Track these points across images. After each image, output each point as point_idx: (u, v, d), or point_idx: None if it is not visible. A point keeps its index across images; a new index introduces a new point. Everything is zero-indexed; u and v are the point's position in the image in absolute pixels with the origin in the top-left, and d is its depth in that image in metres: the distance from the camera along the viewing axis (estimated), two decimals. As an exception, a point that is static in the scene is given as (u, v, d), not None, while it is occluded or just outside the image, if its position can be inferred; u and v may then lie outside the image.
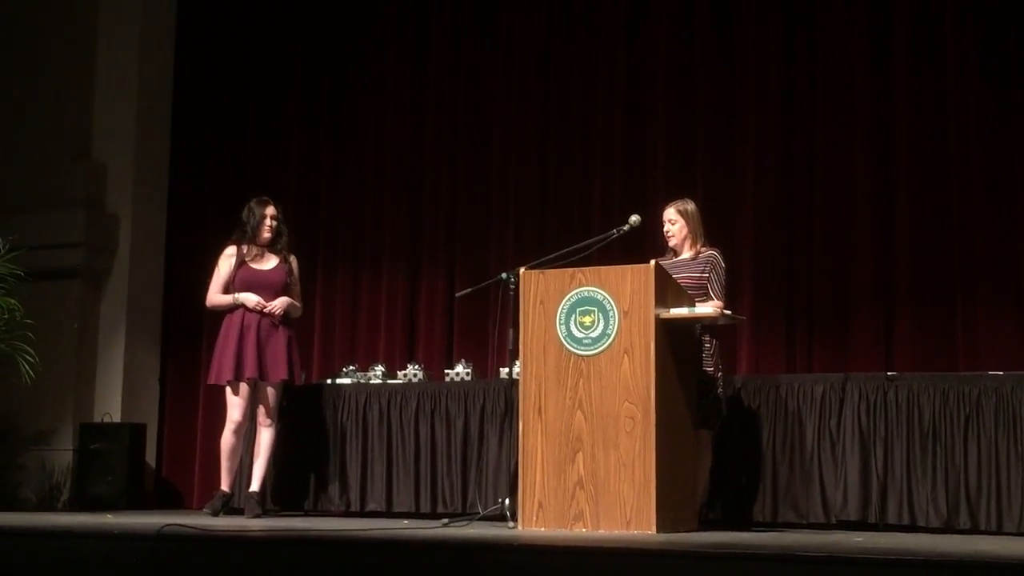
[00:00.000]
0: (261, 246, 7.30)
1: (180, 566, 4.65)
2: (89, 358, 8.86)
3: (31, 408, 8.51)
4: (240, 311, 7.17)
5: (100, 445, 8.39)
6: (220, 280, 7.28)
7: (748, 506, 6.72)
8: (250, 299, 7.16)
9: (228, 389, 7.16)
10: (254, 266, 7.26)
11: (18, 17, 9.31)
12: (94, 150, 9.10)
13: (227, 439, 7.18)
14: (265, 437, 7.23)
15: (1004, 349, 6.99)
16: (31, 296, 7.92)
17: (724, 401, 6.52)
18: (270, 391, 7.20)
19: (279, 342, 7.18)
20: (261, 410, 7.21)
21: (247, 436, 7.38)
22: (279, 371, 7.15)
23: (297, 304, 7.37)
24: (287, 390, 7.42)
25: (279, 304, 7.18)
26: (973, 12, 7.34)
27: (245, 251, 7.27)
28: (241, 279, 7.22)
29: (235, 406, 7.15)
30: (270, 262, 7.31)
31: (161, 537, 4.72)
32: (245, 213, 7.33)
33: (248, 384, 7.14)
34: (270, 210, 7.31)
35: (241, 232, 7.31)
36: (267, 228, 7.28)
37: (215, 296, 7.31)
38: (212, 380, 7.27)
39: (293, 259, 7.40)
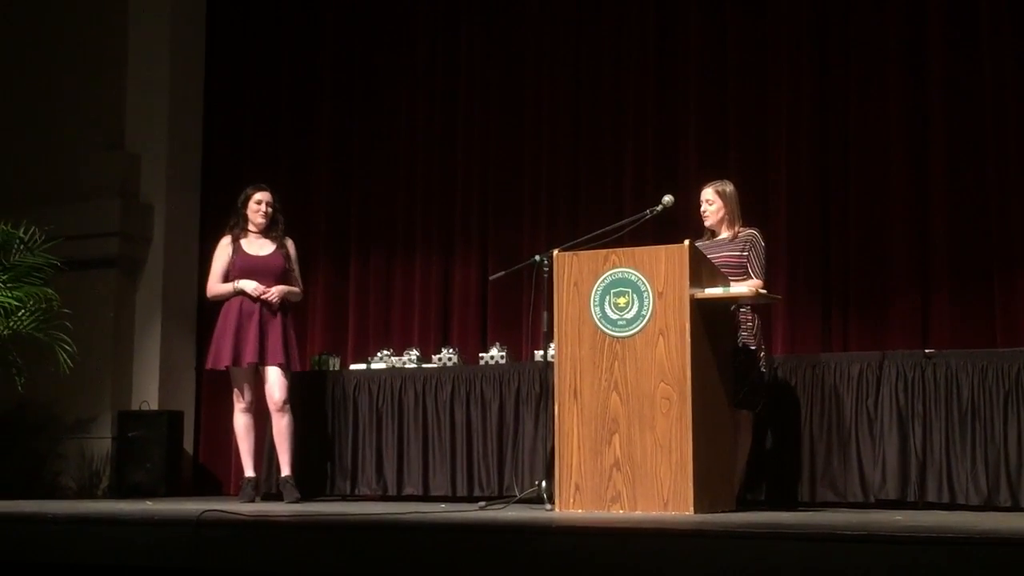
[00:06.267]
0: (256, 232, 7.30)
1: (219, 552, 4.68)
2: (126, 347, 8.91)
3: (70, 397, 8.58)
4: (238, 298, 7.18)
5: (138, 433, 8.46)
6: (219, 269, 7.29)
7: (786, 486, 6.70)
8: (249, 285, 7.16)
9: (231, 375, 7.20)
10: (251, 252, 7.26)
11: (50, 7, 9.36)
12: (127, 140, 9.14)
13: (237, 421, 7.26)
14: (282, 423, 7.19)
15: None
16: (67, 286, 7.98)
17: (768, 380, 6.48)
18: (277, 377, 7.18)
19: (277, 328, 7.17)
20: (270, 396, 7.20)
21: (265, 424, 7.41)
22: (277, 356, 7.14)
23: (296, 289, 7.38)
24: (321, 376, 7.43)
25: (276, 292, 7.17)
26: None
27: (241, 239, 7.29)
28: (240, 266, 7.22)
29: (239, 390, 7.21)
30: (267, 248, 7.31)
31: (200, 523, 4.74)
32: (240, 200, 7.34)
33: (249, 370, 7.16)
34: (263, 196, 7.31)
35: (236, 219, 7.33)
36: (260, 214, 7.28)
37: (215, 286, 7.31)
38: (210, 365, 7.29)
39: (290, 243, 7.38)
